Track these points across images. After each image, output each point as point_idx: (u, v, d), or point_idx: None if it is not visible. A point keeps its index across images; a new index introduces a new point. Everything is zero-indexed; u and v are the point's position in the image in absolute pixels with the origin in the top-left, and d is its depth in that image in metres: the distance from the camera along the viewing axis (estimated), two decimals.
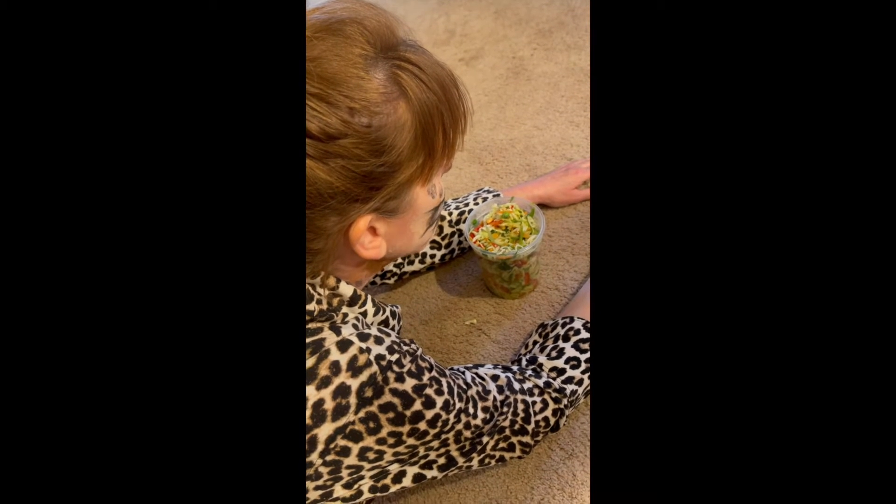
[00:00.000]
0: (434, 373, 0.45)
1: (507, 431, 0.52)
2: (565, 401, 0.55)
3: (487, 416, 0.48)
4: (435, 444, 0.45)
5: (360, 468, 0.42)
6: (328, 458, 0.40)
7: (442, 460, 0.47)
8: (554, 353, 0.57)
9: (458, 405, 0.46)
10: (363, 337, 0.41)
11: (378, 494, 0.46)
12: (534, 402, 0.53)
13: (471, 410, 0.47)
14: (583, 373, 0.56)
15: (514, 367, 0.56)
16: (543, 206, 0.82)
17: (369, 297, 0.50)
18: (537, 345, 0.61)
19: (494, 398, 0.50)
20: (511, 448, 0.53)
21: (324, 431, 0.39)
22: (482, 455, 0.51)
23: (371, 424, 0.40)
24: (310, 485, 0.40)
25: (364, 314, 0.49)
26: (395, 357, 0.42)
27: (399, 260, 0.75)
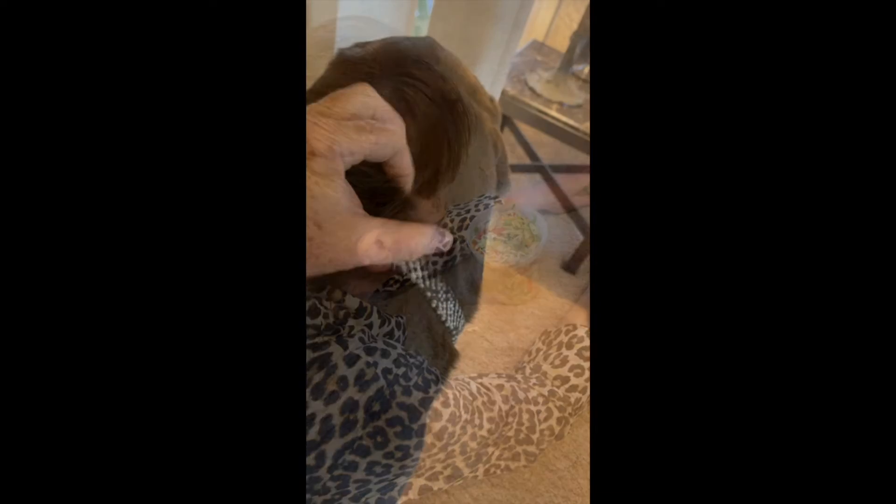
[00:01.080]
0: (440, 385, 0.45)
1: (512, 441, 0.52)
2: (569, 409, 0.55)
3: (493, 426, 0.48)
4: (441, 455, 0.45)
5: (367, 482, 0.42)
6: (336, 472, 0.40)
7: (448, 471, 0.48)
8: (557, 361, 0.57)
9: (463, 417, 0.46)
10: (370, 351, 0.41)
11: None
12: (538, 412, 0.53)
13: (476, 421, 0.47)
14: (586, 380, 0.56)
15: (519, 376, 0.56)
16: (545, 212, 0.82)
17: (375, 308, 0.50)
18: (541, 352, 0.61)
19: (500, 408, 0.50)
20: (516, 457, 0.53)
21: (332, 447, 0.38)
22: (487, 465, 0.51)
23: (378, 439, 0.40)
24: (318, 499, 0.40)
25: (370, 326, 0.49)
26: (401, 370, 0.42)
27: None
